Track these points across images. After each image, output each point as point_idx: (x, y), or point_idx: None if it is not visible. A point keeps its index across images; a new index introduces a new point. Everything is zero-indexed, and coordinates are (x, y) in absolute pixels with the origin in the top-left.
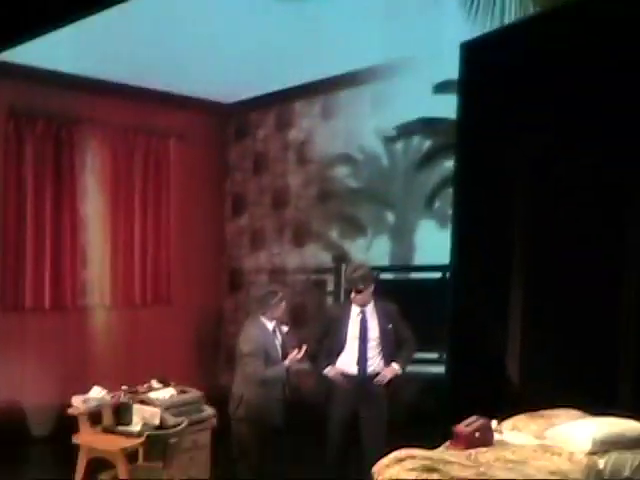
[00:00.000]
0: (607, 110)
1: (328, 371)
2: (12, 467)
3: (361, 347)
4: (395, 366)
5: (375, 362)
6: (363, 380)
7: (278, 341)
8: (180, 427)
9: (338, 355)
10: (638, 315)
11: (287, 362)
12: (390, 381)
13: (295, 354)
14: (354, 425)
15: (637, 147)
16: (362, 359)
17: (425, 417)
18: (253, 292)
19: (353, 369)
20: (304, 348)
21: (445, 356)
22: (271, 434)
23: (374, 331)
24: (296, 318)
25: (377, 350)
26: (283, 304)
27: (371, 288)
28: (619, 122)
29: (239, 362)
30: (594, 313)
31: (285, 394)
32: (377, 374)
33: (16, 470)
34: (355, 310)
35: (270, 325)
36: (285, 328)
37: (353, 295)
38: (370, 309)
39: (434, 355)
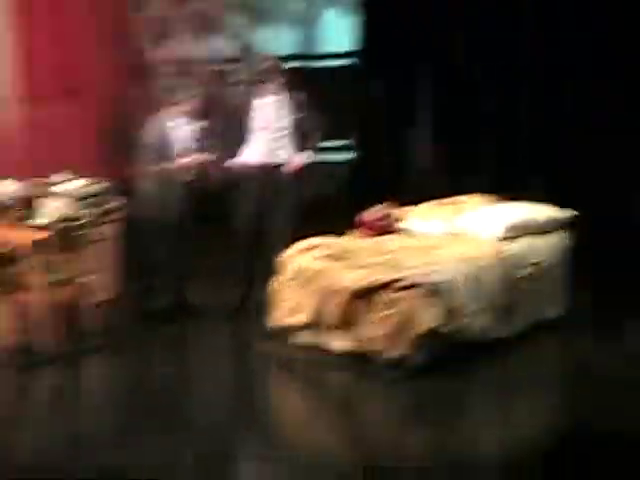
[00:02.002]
0: None
1: (234, 162)
2: None
3: (269, 136)
4: (302, 155)
5: (282, 152)
6: (270, 170)
7: (187, 136)
8: (88, 219)
9: (246, 145)
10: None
11: (186, 159)
12: (298, 170)
13: (196, 156)
14: (262, 214)
15: None
16: (270, 148)
17: (332, 205)
18: (163, 83)
19: (261, 158)
20: (205, 154)
21: (352, 144)
22: (173, 224)
23: (282, 121)
24: (201, 110)
25: (284, 140)
26: (196, 99)
27: (279, 79)
28: None
29: (144, 152)
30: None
31: (187, 190)
32: (285, 163)
33: None
34: (263, 100)
35: (180, 119)
36: (198, 124)
37: (261, 85)
38: (278, 99)
39: (342, 142)
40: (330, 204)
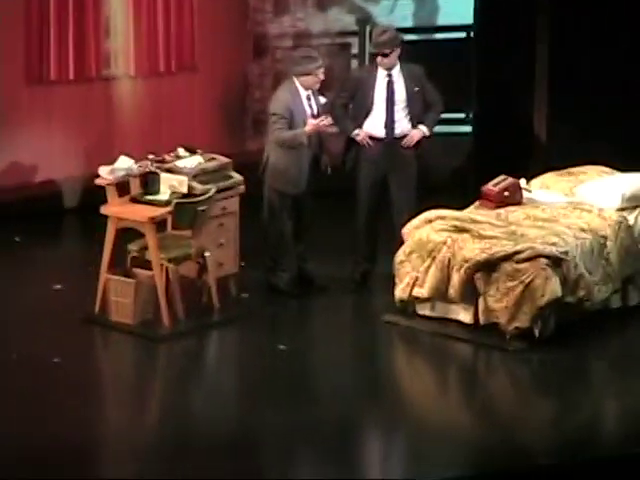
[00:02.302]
0: None
1: (356, 134)
2: (47, 238)
3: (388, 110)
4: (422, 128)
5: (403, 124)
6: (391, 143)
7: (311, 109)
8: (208, 195)
9: (365, 119)
10: None
11: (308, 128)
12: (418, 142)
13: (319, 120)
14: (384, 188)
15: None
16: (389, 122)
17: (453, 178)
18: (284, 57)
19: (381, 132)
20: (328, 118)
21: (471, 116)
22: (297, 199)
23: (401, 94)
24: (322, 84)
25: (404, 113)
26: (321, 73)
27: (398, 51)
28: None
29: (268, 124)
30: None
31: (313, 160)
32: (405, 136)
33: (50, 241)
34: (382, 74)
35: (304, 92)
36: (323, 99)
37: (379, 59)
38: (396, 72)
39: (461, 115)
40: (452, 176)
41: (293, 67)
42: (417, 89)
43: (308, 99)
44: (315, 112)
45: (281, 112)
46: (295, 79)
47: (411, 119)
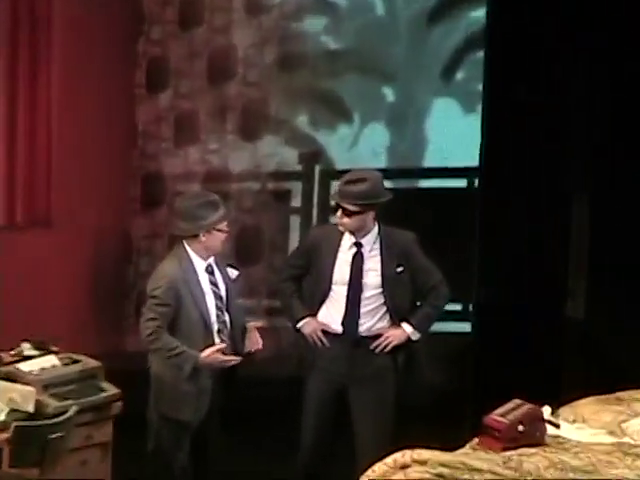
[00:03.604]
0: None
1: (304, 325)
2: None
3: (352, 297)
4: (406, 327)
5: (374, 319)
6: (355, 343)
7: (215, 291)
8: (66, 416)
9: (321, 304)
10: None
11: (204, 355)
12: (397, 347)
13: (216, 348)
14: (340, 409)
15: None
16: (352, 314)
17: (442, 398)
18: (178, 204)
19: (338, 326)
20: (258, 342)
21: (472, 306)
22: (196, 427)
23: (374, 275)
24: (245, 251)
25: (378, 302)
26: (224, 226)
27: (370, 214)
28: None
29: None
30: None
31: (215, 381)
32: (377, 336)
33: None
34: (347, 240)
35: (201, 262)
36: (234, 272)
37: (340, 217)
38: (369, 241)
39: (456, 307)
40: (440, 396)
41: (177, 224)
42: (400, 269)
43: (209, 272)
44: (222, 293)
45: (161, 296)
46: (185, 244)
47: (390, 311)
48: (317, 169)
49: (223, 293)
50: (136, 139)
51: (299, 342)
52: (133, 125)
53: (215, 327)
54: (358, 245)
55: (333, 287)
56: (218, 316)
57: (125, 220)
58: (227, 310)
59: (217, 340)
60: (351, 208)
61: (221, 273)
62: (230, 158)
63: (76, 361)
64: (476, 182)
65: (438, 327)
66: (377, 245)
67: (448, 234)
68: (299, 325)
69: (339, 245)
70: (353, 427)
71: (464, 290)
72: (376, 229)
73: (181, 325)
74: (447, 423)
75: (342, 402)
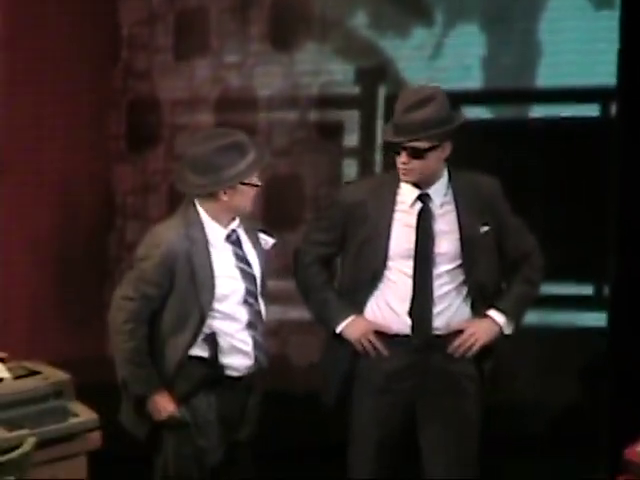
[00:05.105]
0: None
1: (348, 327)
2: None
3: (421, 276)
4: (496, 316)
5: (450, 309)
6: (426, 346)
7: (244, 269)
8: (20, 451)
9: (371, 291)
10: None
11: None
12: (487, 349)
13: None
14: (407, 439)
15: None
16: (421, 302)
17: (564, 423)
18: (186, 147)
19: (403, 324)
20: None
21: (607, 291)
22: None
23: (449, 241)
24: (277, 211)
25: (454, 283)
26: (255, 179)
27: (446, 149)
28: None
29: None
30: None
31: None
32: (456, 333)
33: None
34: (407, 195)
35: (220, 230)
36: (268, 241)
37: (401, 162)
38: (439, 193)
39: (585, 290)
40: (561, 419)
41: (185, 177)
42: (486, 229)
43: (233, 242)
44: (254, 271)
45: (149, 271)
46: (197, 204)
47: (472, 294)
48: (382, 92)
49: (257, 271)
50: (119, 49)
51: (340, 353)
52: (115, 27)
53: (245, 319)
54: (423, 199)
55: (389, 264)
56: (251, 305)
57: (104, 167)
58: (262, 295)
59: (249, 339)
60: (421, 145)
61: (252, 243)
62: (256, 76)
63: (34, 372)
64: (613, 109)
65: (552, 319)
66: (449, 197)
67: (571, 185)
68: (340, 328)
69: (393, 202)
70: (424, 463)
71: (595, 267)
72: (446, 174)
73: (166, 318)
74: (569, 458)
75: (408, 432)
